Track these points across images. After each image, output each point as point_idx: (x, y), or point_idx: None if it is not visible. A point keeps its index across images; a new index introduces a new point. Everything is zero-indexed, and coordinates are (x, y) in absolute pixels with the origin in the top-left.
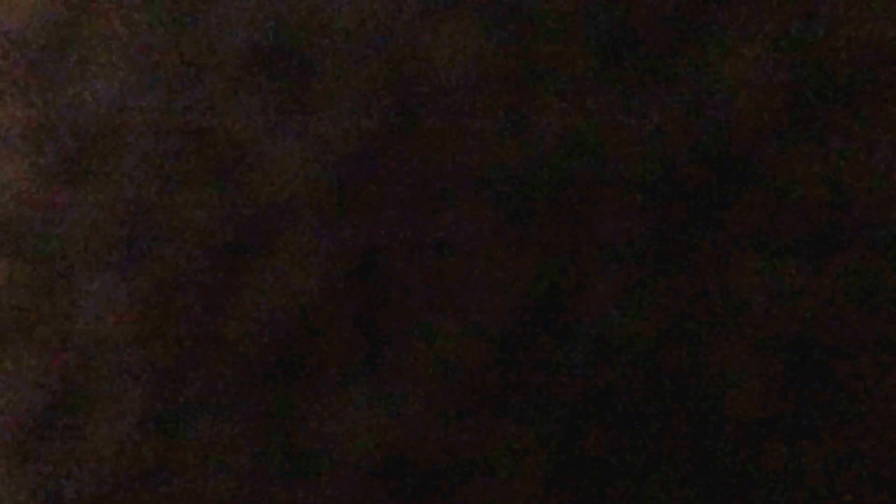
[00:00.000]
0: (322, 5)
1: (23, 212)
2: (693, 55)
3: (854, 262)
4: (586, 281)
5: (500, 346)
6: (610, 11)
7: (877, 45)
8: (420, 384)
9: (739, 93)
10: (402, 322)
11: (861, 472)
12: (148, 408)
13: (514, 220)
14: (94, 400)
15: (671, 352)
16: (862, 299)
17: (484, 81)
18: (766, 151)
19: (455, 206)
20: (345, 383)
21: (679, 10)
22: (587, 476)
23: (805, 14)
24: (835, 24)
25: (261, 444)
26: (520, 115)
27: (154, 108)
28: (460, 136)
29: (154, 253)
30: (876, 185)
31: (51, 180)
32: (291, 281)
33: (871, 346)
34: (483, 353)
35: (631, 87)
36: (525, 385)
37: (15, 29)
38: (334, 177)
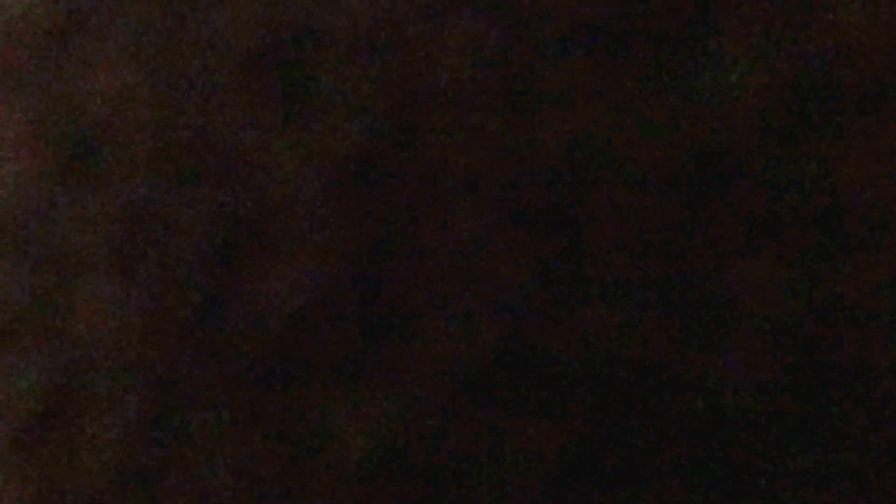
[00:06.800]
0: (322, 6)
1: (22, 212)
2: (693, 56)
3: (854, 263)
4: (587, 282)
5: (499, 347)
6: (610, 11)
7: (877, 48)
8: (420, 384)
9: (740, 94)
10: (401, 322)
11: (863, 474)
12: (148, 408)
13: (513, 221)
14: (94, 400)
15: (671, 352)
16: (862, 301)
17: (484, 82)
18: (766, 153)
19: (455, 206)
20: (344, 383)
21: (679, 10)
22: (588, 478)
23: (806, 16)
24: (835, 26)
25: (260, 444)
26: (520, 115)
27: (154, 107)
28: (460, 136)
29: (153, 252)
30: (875, 187)
31: (50, 180)
32: (290, 281)
33: (871, 348)
34: (483, 353)
35: (631, 87)
36: (524, 386)
37: (13, 29)
38: (334, 177)
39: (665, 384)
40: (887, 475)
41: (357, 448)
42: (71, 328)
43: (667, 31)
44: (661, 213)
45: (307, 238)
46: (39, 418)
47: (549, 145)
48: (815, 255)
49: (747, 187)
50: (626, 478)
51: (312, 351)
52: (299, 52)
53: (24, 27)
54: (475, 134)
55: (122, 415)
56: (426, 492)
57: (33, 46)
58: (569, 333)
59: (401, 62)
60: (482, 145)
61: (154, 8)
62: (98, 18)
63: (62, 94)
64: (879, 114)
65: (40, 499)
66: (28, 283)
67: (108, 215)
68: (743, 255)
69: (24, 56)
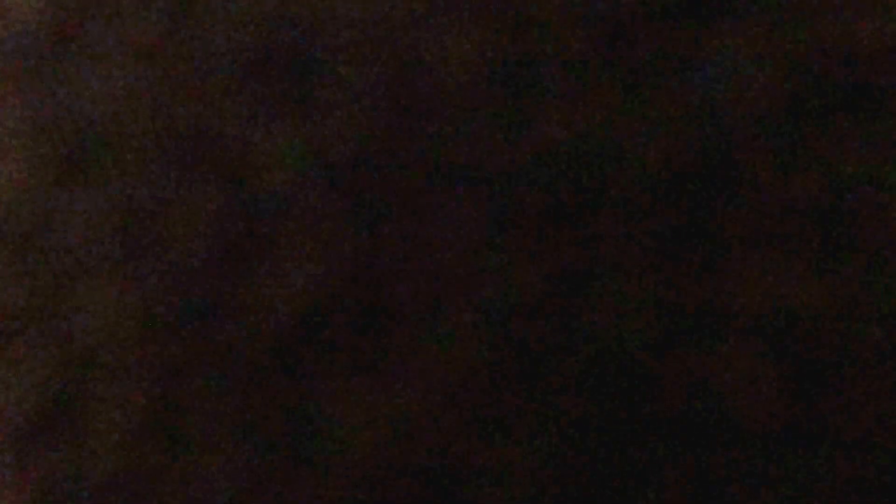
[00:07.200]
0: (322, 5)
1: (22, 212)
2: (693, 56)
3: (855, 264)
4: (586, 282)
5: (500, 348)
6: (610, 13)
7: (878, 48)
8: (420, 384)
9: (740, 94)
10: (402, 322)
11: (865, 476)
12: (148, 408)
13: (514, 221)
14: (94, 400)
15: (672, 354)
16: (863, 301)
17: (484, 81)
18: (766, 153)
19: (456, 205)
20: (345, 383)
21: (679, 11)
22: (589, 480)
23: (806, 16)
24: (836, 25)
25: (261, 444)
26: (520, 115)
27: (154, 108)
28: (460, 135)
29: (153, 252)
30: (875, 187)
31: (51, 180)
32: (291, 281)
33: (871, 349)
34: (483, 354)
35: (631, 88)
36: (525, 387)
37: (14, 29)
38: (334, 177)
39: (664, 385)
40: (887, 479)
41: (356, 449)
42: (71, 328)
43: (667, 31)
44: (660, 213)
45: (307, 238)
46: (39, 418)
47: (550, 144)
48: (816, 254)
49: (747, 187)
50: (624, 480)
51: (312, 351)
52: (299, 52)
53: (24, 27)
54: (476, 133)
55: (122, 415)
56: (426, 493)
57: (33, 46)
58: (570, 333)
59: (402, 61)
60: (483, 145)
61: (154, 8)
62: (98, 19)
63: (62, 94)
64: (880, 114)
65: (40, 499)
66: (28, 283)
67: (108, 215)
68: (743, 255)
69: (24, 56)
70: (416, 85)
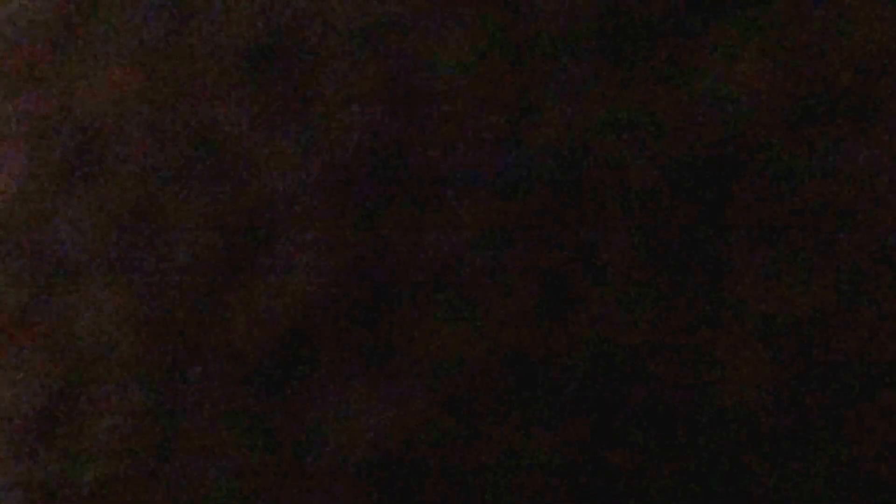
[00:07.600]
0: (322, 5)
1: (23, 212)
2: (693, 57)
3: (855, 264)
4: (586, 282)
5: (500, 348)
6: (610, 13)
7: (878, 48)
8: (420, 384)
9: (739, 95)
10: (402, 322)
11: (865, 476)
12: (148, 407)
13: (514, 221)
14: (94, 400)
15: (672, 353)
16: (863, 301)
17: (484, 81)
18: (766, 153)
19: (455, 206)
20: (345, 383)
21: (680, 12)
22: (588, 479)
23: (806, 17)
24: (835, 26)
25: (260, 444)
26: (520, 116)
27: (154, 107)
28: (460, 136)
29: (153, 252)
30: (876, 187)
31: (51, 180)
32: (291, 280)
33: (871, 348)
34: (483, 354)
35: (631, 89)
36: (525, 387)
37: (15, 29)
38: (334, 177)
39: (664, 386)
40: (887, 476)
41: (355, 449)
42: (71, 328)
43: (667, 34)
44: (660, 214)
45: (307, 238)
46: (40, 418)
47: (550, 145)
48: (816, 254)
49: (747, 188)
50: (624, 478)
51: (313, 351)
52: (299, 51)
53: (24, 28)
54: (476, 132)
55: (121, 414)
56: (426, 492)
57: (34, 47)
58: (570, 334)
59: (402, 59)
60: (482, 143)
61: (154, 8)
62: (98, 19)
63: (62, 94)
64: (878, 116)
65: (40, 498)
66: (28, 283)
67: (108, 215)
68: (744, 256)
69: (25, 56)
70: (415, 85)
